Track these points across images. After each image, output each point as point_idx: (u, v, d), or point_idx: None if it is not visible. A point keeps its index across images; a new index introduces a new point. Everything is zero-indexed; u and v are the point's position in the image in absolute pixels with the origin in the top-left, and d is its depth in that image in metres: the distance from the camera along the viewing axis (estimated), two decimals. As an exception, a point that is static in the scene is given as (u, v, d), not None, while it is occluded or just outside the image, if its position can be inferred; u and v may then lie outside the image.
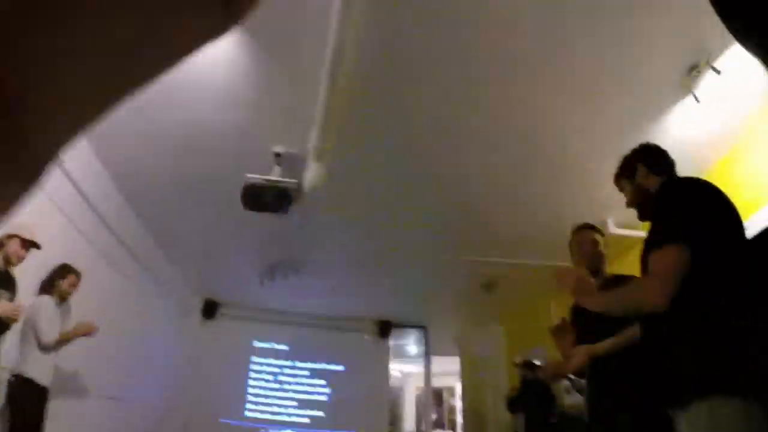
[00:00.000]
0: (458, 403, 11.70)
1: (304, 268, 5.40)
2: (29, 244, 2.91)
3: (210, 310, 6.83)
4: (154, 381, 5.63)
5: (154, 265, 5.20)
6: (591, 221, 2.72)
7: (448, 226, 4.83)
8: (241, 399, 6.84)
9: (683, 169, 1.89)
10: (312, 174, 3.30)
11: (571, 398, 5.27)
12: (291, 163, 3.50)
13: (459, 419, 12.08)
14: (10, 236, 2.82)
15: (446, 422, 14.21)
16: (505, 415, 6.23)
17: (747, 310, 1.43)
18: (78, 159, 3.48)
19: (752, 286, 1.47)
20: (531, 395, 5.49)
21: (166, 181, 3.99)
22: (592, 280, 1.80)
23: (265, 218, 3.73)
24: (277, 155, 3.50)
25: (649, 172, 1.86)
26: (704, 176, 1.73)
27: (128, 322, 4.74)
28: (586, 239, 2.56)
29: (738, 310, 1.43)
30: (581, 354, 2.25)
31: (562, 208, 4.39)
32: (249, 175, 3.45)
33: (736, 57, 2.91)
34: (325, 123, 2.94)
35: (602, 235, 2.61)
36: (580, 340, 2.35)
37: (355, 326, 7.69)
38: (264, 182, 3.44)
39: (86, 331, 3.30)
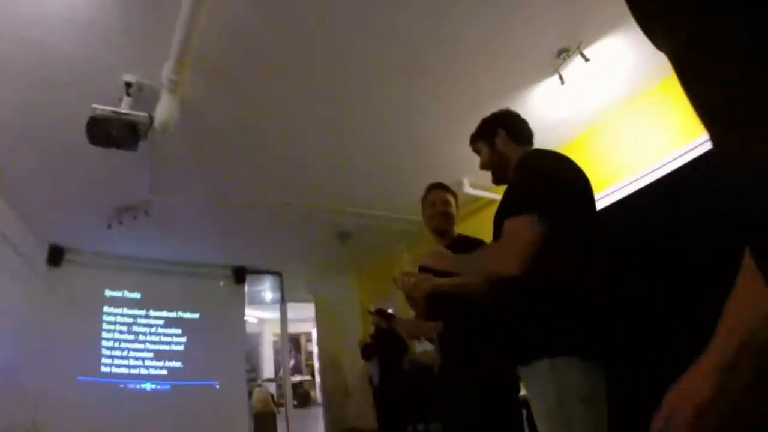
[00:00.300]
0: (315, 349, 11.97)
1: (155, 212, 5.00)
2: None
3: (55, 256, 6.08)
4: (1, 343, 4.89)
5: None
6: (447, 181, 2.80)
7: (305, 175, 4.77)
8: (96, 354, 6.28)
9: (540, 143, 1.97)
10: (164, 108, 3.00)
11: (422, 346, 5.61)
12: (143, 94, 3.14)
13: (317, 364, 12.41)
14: None
15: (304, 368, 14.56)
16: (360, 361, 6.49)
17: (593, 280, 1.55)
18: None
19: (599, 258, 1.59)
20: (384, 342, 5.74)
21: (4, 110, 3.41)
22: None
23: (113, 155, 3.34)
24: (128, 85, 3.12)
25: (508, 139, 1.90)
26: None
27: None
28: (438, 199, 2.62)
29: (584, 280, 1.53)
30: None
31: (420, 165, 4.54)
32: (95, 106, 3.05)
33: (606, 48, 3.17)
34: (181, 53, 2.67)
35: (455, 196, 2.70)
36: (430, 306, 2.39)
37: (209, 272, 7.42)
38: (111, 114, 3.06)
39: None
